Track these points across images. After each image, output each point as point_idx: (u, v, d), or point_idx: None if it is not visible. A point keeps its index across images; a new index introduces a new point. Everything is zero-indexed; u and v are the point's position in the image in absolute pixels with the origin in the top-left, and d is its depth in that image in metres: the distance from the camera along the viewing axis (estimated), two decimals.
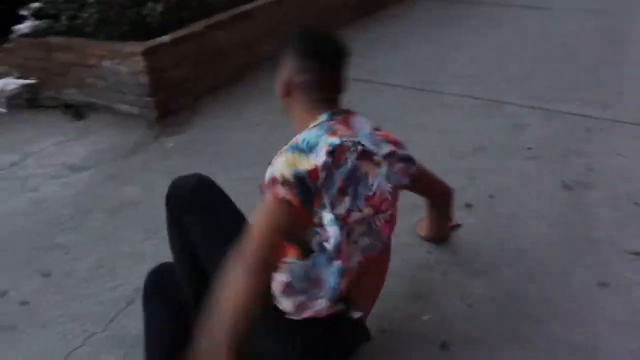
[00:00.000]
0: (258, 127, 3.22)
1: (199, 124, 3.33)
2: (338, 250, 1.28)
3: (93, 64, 3.50)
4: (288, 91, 1.40)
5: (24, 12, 3.84)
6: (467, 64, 4.01)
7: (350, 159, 1.28)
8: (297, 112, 1.42)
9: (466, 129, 3.05)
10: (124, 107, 3.51)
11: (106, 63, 3.43)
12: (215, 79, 3.72)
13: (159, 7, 3.48)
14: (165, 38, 3.39)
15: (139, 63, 3.25)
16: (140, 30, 3.56)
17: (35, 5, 3.73)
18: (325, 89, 1.38)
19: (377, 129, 1.40)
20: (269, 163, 1.27)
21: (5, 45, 3.93)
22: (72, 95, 3.73)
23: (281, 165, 1.22)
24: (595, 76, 3.72)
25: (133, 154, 3.05)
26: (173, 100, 3.47)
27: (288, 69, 1.39)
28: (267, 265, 1.23)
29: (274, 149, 1.32)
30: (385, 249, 1.49)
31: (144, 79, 3.30)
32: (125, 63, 3.33)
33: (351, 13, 5.09)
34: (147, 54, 3.24)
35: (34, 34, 3.79)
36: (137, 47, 3.26)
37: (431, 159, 1.90)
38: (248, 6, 3.97)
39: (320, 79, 1.36)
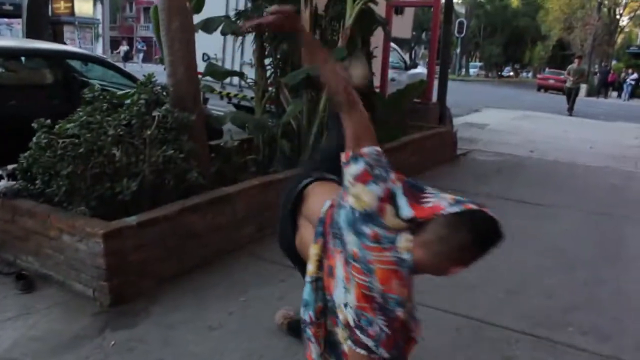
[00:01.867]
0: (215, 331, 2.90)
1: (153, 318, 3.01)
2: None
3: (53, 236, 3.29)
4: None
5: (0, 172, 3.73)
6: None
7: None
8: None
9: None
10: (79, 287, 3.23)
11: (66, 237, 3.22)
12: (184, 265, 3.47)
13: (133, 186, 3.34)
14: (132, 219, 3.20)
15: (99, 245, 3.03)
16: (110, 207, 3.40)
17: (12, 166, 3.61)
18: None
19: None
20: None
21: None
22: (30, 263, 3.47)
23: None
24: (591, 294, 3.45)
25: (67, 350, 2.69)
26: (132, 286, 3.19)
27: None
28: None
29: None
30: None
31: (101, 261, 3.05)
32: (84, 241, 3.11)
33: None
34: (109, 236, 3.03)
35: (5, 194, 3.63)
36: (99, 227, 3.06)
37: None
38: (229, 189, 3.84)
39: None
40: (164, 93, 4.14)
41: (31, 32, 10.59)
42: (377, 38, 6.34)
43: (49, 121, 3.40)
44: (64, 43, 23.27)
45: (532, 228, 4.59)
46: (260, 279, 3.46)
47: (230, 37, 6.09)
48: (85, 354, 2.66)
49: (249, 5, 5.36)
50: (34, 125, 3.35)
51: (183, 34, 4.07)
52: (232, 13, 5.73)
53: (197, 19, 4.66)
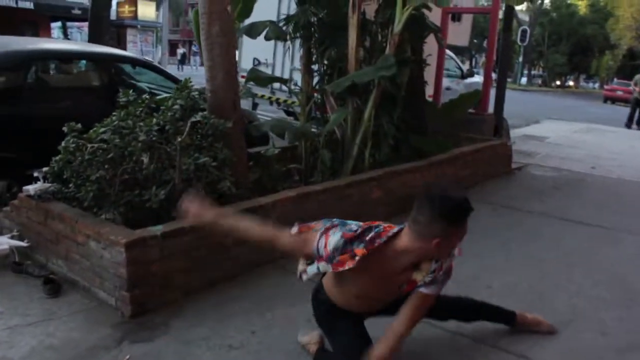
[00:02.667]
0: (234, 351, 2.74)
1: (173, 333, 2.89)
2: None
3: (80, 242, 3.24)
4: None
5: (36, 174, 3.72)
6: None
7: None
8: None
9: None
10: (102, 295, 3.16)
11: (92, 244, 3.16)
12: (210, 277, 3.35)
13: (162, 194, 3.24)
14: (157, 229, 3.10)
15: (121, 254, 2.94)
16: (141, 214, 3.32)
17: (46, 168, 3.60)
18: None
19: None
20: None
21: (15, 202, 3.80)
22: (59, 267, 3.44)
23: None
24: None
25: None
26: (154, 297, 3.08)
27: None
28: None
29: None
30: None
31: (122, 270, 2.96)
32: (108, 249, 3.03)
33: (386, 209, 4.75)
34: (131, 245, 2.94)
35: (39, 196, 3.62)
36: (122, 236, 2.98)
37: None
38: (262, 200, 3.70)
39: None
40: (202, 99, 4.06)
41: (93, 36, 10.91)
42: (431, 45, 6.07)
43: (79, 125, 3.35)
44: (125, 46, 24.06)
45: (590, 253, 4.21)
46: (290, 297, 3.28)
47: (280, 43, 6.01)
48: None
49: (296, 9, 5.21)
50: (64, 128, 3.31)
51: (223, 39, 3.97)
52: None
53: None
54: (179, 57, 29.89)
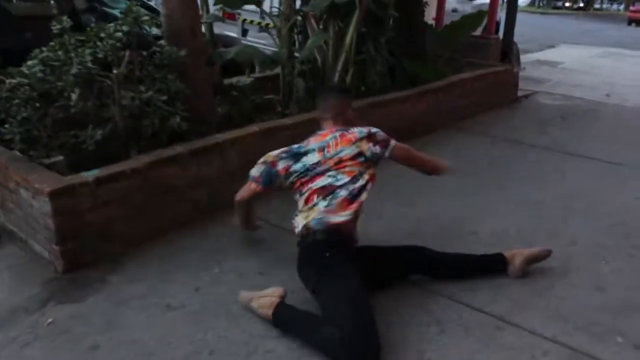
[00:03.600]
0: (172, 312, 2.42)
1: (107, 291, 2.57)
2: None
3: (12, 189, 2.89)
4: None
5: None
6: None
7: None
8: None
9: None
10: (38, 248, 2.84)
11: (22, 191, 2.80)
12: (157, 226, 3.00)
13: (98, 134, 2.84)
14: (91, 174, 2.72)
15: (47, 204, 2.58)
16: (74, 158, 2.94)
17: None
18: None
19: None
20: None
21: None
22: None
23: None
24: None
25: None
26: (91, 249, 2.75)
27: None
28: None
29: None
30: None
31: (49, 222, 2.61)
32: (37, 198, 2.67)
33: None
34: (57, 194, 2.57)
35: None
36: (48, 184, 2.60)
37: None
38: (220, 137, 3.28)
39: None
40: (156, 24, 3.58)
41: None
42: None
43: None
44: None
45: (594, 194, 3.76)
46: (245, 247, 2.94)
47: None
48: (15, 334, 2.26)
49: None
50: None
51: None
52: None
53: None
54: None
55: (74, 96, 2.79)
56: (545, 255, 2.66)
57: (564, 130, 5.32)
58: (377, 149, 2.55)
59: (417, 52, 5.59)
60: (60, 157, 3.01)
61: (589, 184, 3.92)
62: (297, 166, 2.53)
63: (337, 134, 2.56)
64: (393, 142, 2.62)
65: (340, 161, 2.48)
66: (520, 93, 6.60)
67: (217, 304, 2.47)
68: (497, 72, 5.98)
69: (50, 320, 2.35)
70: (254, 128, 3.44)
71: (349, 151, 2.49)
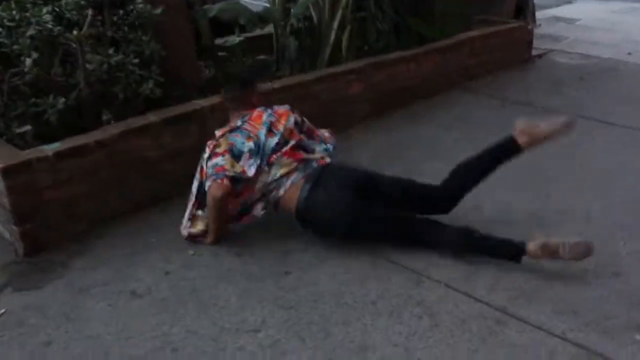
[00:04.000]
0: (136, 300, 2.19)
1: (70, 276, 2.35)
2: None
3: None
4: None
5: None
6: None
7: None
8: None
9: None
10: (0, 228, 2.61)
11: None
12: (128, 203, 2.75)
13: (60, 103, 2.56)
14: (51, 147, 2.46)
15: (0, 182, 2.34)
16: (43, 128, 2.68)
17: None
18: None
19: None
20: None
21: None
22: None
23: None
24: None
25: None
26: (55, 230, 2.52)
27: None
28: None
29: None
30: None
31: (5, 200, 2.37)
32: None
33: (368, 108, 4.00)
34: (10, 171, 2.32)
35: None
36: (0, 159, 2.35)
37: None
38: (198, 103, 2.99)
39: None
40: None
41: None
42: None
43: None
44: None
45: (612, 164, 3.43)
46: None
47: None
48: None
49: None
50: None
51: None
52: None
53: None
54: None
55: (28, 61, 2.50)
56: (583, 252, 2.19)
57: (580, 91, 4.93)
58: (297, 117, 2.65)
59: (424, 10, 5.21)
60: (29, 127, 2.75)
61: (606, 153, 3.59)
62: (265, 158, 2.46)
63: (269, 112, 2.57)
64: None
65: (290, 132, 2.55)
66: (534, 52, 6.16)
67: (187, 290, 2.23)
68: (509, 29, 5.55)
69: (3, 310, 2.14)
70: None
71: (290, 122, 2.57)
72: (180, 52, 3.38)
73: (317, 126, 2.81)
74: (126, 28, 3.06)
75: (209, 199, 2.37)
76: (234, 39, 3.98)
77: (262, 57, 4.15)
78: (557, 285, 2.24)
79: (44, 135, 2.67)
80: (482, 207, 2.83)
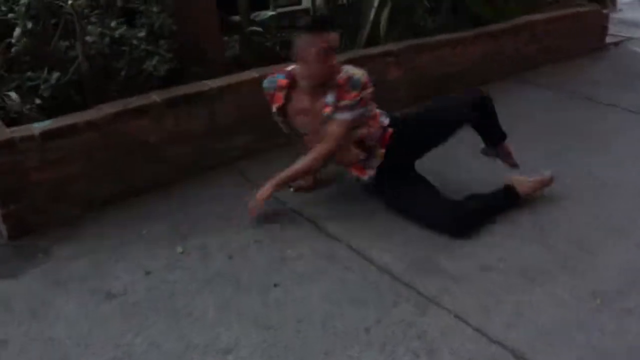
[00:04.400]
0: (108, 302, 2.00)
1: (48, 266, 2.19)
2: None
3: None
4: None
5: None
6: None
7: None
8: None
9: None
10: None
11: None
12: (125, 188, 2.57)
13: (54, 77, 2.39)
14: (42, 125, 2.29)
15: None
16: (45, 103, 2.53)
17: None
18: None
19: None
20: None
21: None
22: None
23: None
24: None
25: None
26: (42, 213, 2.37)
27: None
28: None
29: None
30: None
31: None
32: None
33: (410, 93, 3.65)
34: None
35: None
36: None
37: None
38: (212, 83, 2.74)
39: None
40: None
41: None
42: None
43: None
44: None
45: None
46: (223, 219, 2.46)
47: None
48: None
49: None
50: None
51: None
52: None
53: None
54: None
55: (17, 31, 2.32)
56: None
57: None
58: None
59: None
60: (16, 98, 2.59)
61: None
62: None
63: None
64: None
65: None
66: (609, 39, 5.53)
67: (164, 294, 2.02)
68: (579, 13, 4.96)
69: None
70: (252, 74, 2.87)
71: None
72: (201, 27, 3.13)
73: None
74: None
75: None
76: (266, 13, 3.69)
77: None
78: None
79: (50, 110, 2.52)
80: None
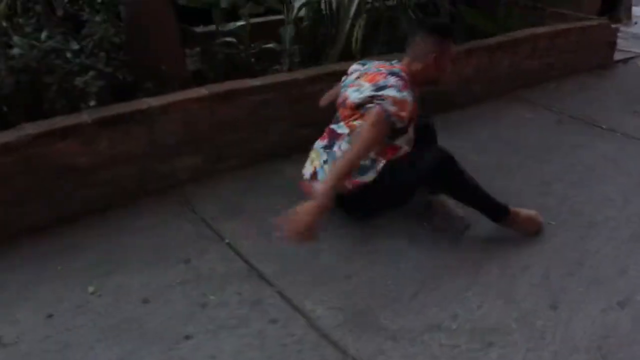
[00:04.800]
0: (3, 349, 1.75)
1: None
2: None
3: None
4: None
5: None
6: None
7: None
8: None
9: None
10: None
11: None
12: (50, 215, 2.33)
13: None
14: None
15: None
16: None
17: None
18: None
19: None
20: None
21: None
22: None
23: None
24: None
25: None
26: None
27: None
28: None
29: None
30: None
31: None
32: None
33: None
34: None
35: None
36: None
37: None
38: (155, 101, 2.49)
39: None
40: None
41: None
42: None
43: None
44: None
45: None
46: (153, 253, 2.20)
47: None
48: None
49: None
50: None
51: None
52: None
53: None
54: None
55: None
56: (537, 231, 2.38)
57: None
58: None
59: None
60: None
61: None
62: None
63: None
64: None
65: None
66: (618, 55, 5.19)
67: (58, 346, 1.77)
68: (585, 27, 4.62)
69: None
70: (202, 91, 2.62)
71: None
72: (155, 38, 2.90)
73: (311, 140, 2.42)
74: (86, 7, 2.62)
75: None
76: (234, 23, 3.45)
77: (269, 44, 3.57)
78: None
79: None
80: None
